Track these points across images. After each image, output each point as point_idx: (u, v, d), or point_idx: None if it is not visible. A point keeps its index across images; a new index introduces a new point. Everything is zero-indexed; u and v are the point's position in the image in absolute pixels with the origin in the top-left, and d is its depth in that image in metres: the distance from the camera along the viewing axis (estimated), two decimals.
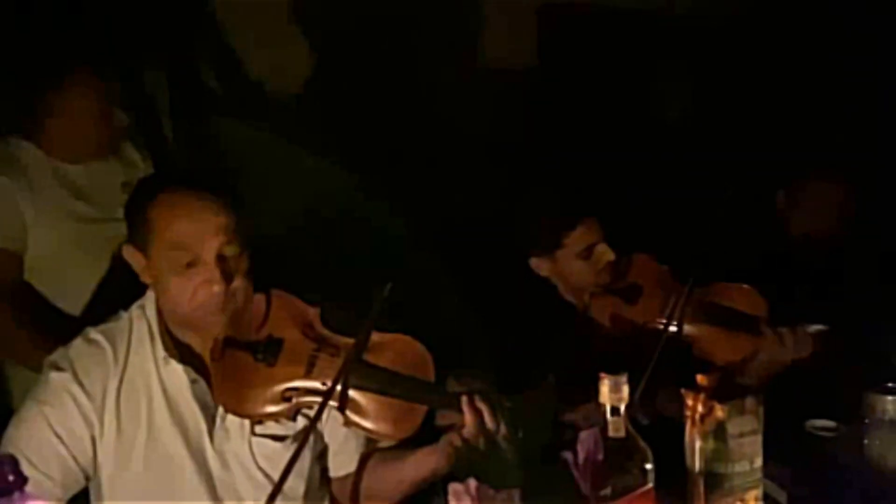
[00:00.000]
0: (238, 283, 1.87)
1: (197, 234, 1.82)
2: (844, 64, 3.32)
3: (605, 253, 2.40)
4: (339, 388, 1.85)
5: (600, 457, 1.31)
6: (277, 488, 1.70)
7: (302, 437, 1.86)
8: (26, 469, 1.68)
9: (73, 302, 2.54)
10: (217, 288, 1.83)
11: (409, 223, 3.04)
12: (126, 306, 1.97)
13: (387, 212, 3.03)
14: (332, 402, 1.87)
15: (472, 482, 1.23)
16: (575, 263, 2.42)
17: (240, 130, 3.07)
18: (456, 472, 1.37)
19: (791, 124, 3.29)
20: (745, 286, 2.42)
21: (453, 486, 1.24)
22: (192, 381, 1.90)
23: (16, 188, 2.50)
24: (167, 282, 1.85)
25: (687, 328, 2.34)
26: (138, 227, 1.87)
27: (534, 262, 2.46)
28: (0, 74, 2.62)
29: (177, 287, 1.84)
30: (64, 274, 2.54)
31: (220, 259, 1.84)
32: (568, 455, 1.34)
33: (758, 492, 1.60)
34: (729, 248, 2.53)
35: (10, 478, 0.99)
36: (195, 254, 1.83)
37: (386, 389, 1.88)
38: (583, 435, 1.36)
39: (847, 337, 2.39)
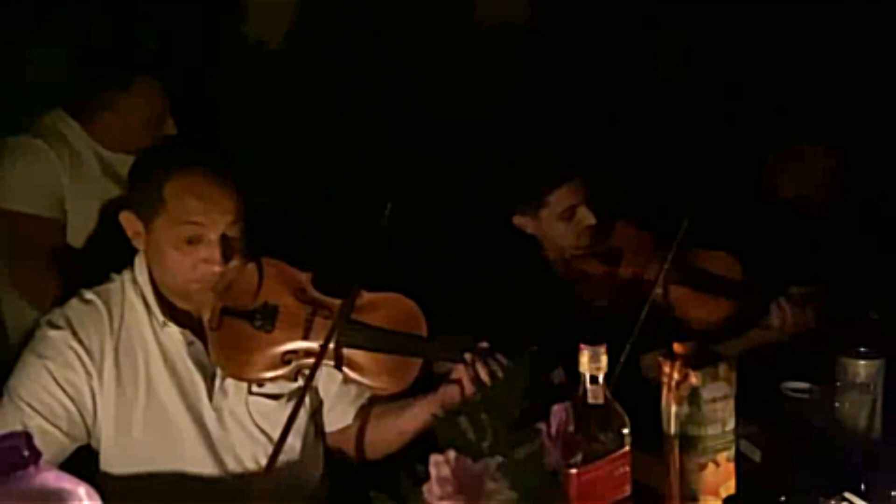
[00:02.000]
0: (234, 262, 1.93)
1: (206, 213, 1.87)
2: (836, 31, 3.35)
3: (586, 216, 2.44)
4: (332, 346, 1.93)
5: (571, 428, 1.39)
6: (277, 450, 1.79)
7: (297, 396, 1.94)
8: (35, 420, 1.81)
9: None
10: (217, 268, 1.89)
11: (397, 184, 3.07)
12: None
13: (375, 172, 3.07)
14: (329, 362, 1.96)
15: (452, 453, 1.31)
16: (557, 224, 2.46)
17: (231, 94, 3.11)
18: (439, 434, 1.44)
19: (780, 89, 3.34)
20: (721, 252, 2.49)
21: (434, 457, 1.32)
22: (189, 343, 1.97)
23: (56, 157, 2.57)
24: (164, 254, 1.90)
25: (669, 291, 2.41)
26: (145, 198, 1.91)
27: (518, 220, 2.50)
28: (74, 57, 2.71)
29: (174, 261, 1.90)
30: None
31: (223, 239, 1.89)
32: (542, 426, 1.42)
33: (729, 453, 1.67)
34: (716, 212, 2.59)
35: (25, 452, 1.06)
36: (200, 232, 1.88)
37: (380, 346, 1.97)
38: (555, 407, 1.44)
39: (830, 299, 2.46)
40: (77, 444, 1.92)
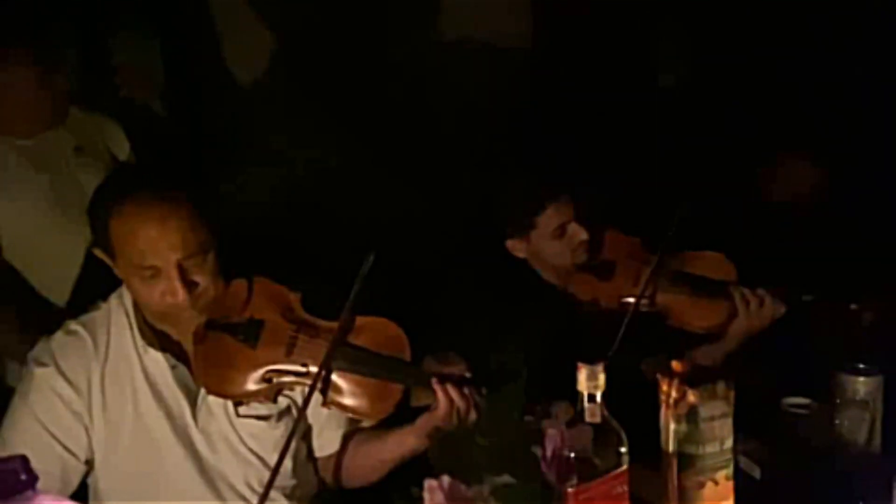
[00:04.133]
0: (204, 285, 1.89)
1: (156, 249, 1.83)
2: (826, 47, 3.38)
3: (578, 233, 2.41)
4: (324, 372, 1.92)
5: (565, 451, 1.39)
6: (272, 479, 1.80)
7: (288, 418, 1.96)
8: None
9: (56, 281, 2.62)
10: (180, 297, 1.86)
11: (388, 205, 3.08)
12: (106, 294, 2.02)
13: (367, 195, 3.08)
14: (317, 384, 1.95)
15: (446, 478, 1.31)
16: (549, 244, 2.43)
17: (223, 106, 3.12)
18: (433, 458, 1.45)
19: (771, 102, 3.35)
20: (713, 253, 2.47)
21: (428, 482, 1.32)
22: (173, 367, 1.96)
23: None
24: (133, 286, 1.91)
25: (660, 298, 2.40)
26: (101, 236, 1.89)
27: (510, 244, 2.48)
28: None
29: (142, 291, 1.89)
30: (41, 251, 2.62)
31: (181, 269, 1.85)
32: (537, 450, 1.42)
33: (728, 471, 1.67)
34: (707, 219, 2.59)
35: (23, 477, 1.07)
36: (155, 267, 1.85)
37: (363, 370, 1.95)
38: (550, 431, 1.44)
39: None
40: (76, 482, 1.93)
